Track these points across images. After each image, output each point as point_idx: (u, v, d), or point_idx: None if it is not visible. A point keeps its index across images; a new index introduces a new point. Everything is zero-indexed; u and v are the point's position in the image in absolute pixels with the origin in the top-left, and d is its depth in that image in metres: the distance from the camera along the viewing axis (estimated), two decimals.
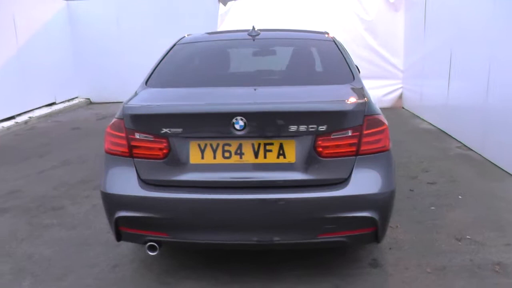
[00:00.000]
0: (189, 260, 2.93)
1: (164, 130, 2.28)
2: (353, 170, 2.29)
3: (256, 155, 2.28)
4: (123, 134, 2.37)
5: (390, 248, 3.00)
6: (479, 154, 4.99)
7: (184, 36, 3.51)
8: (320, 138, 2.25)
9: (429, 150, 5.33)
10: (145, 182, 2.35)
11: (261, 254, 2.93)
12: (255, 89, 2.65)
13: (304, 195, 2.24)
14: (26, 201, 4.13)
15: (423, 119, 7.00)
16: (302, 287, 2.59)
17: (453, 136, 5.82)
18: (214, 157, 2.29)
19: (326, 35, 3.37)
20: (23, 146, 6.39)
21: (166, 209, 2.31)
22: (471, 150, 5.20)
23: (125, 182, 2.36)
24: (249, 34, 3.24)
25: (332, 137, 2.26)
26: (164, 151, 2.31)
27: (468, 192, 3.97)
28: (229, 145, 2.28)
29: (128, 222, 2.39)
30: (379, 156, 2.34)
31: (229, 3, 9.02)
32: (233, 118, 2.20)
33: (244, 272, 2.76)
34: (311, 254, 2.92)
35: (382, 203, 2.31)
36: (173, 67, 2.97)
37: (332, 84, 2.71)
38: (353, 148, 2.29)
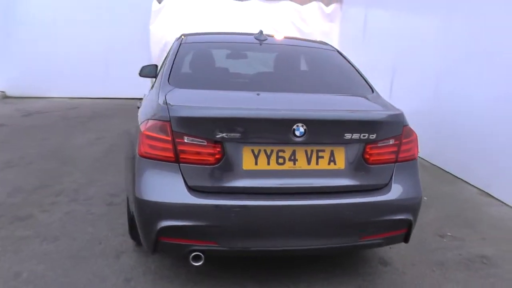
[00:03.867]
0: (211, 268, 2.81)
1: (220, 134, 2.18)
2: (393, 176, 2.45)
3: (309, 161, 2.30)
4: (169, 138, 2.20)
5: (390, 248, 3.23)
6: (428, 161, 5.55)
7: (182, 36, 3.36)
8: (369, 146, 2.36)
9: None
10: (192, 189, 2.23)
11: (284, 260, 2.94)
12: (288, 95, 2.67)
13: (354, 200, 2.33)
14: None
15: None
16: None
17: None
18: (268, 163, 2.26)
19: (328, 45, 3.50)
20: None
21: (218, 217, 2.21)
22: (420, 157, 5.73)
23: (171, 189, 2.20)
24: (256, 38, 3.23)
25: (378, 145, 2.39)
26: (217, 156, 2.22)
27: (432, 194, 4.39)
28: (283, 151, 2.27)
29: (173, 232, 2.23)
30: (411, 163, 2.54)
31: (164, 1, 8.77)
32: (294, 124, 2.20)
33: (269, 277, 2.74)
34: (325, 257, 3.01)
35: (416, 206, 2.51)
36: (192, 68, 2.86)
37: (358, 95, 2.84)
38: (393, 156, 2.44)
